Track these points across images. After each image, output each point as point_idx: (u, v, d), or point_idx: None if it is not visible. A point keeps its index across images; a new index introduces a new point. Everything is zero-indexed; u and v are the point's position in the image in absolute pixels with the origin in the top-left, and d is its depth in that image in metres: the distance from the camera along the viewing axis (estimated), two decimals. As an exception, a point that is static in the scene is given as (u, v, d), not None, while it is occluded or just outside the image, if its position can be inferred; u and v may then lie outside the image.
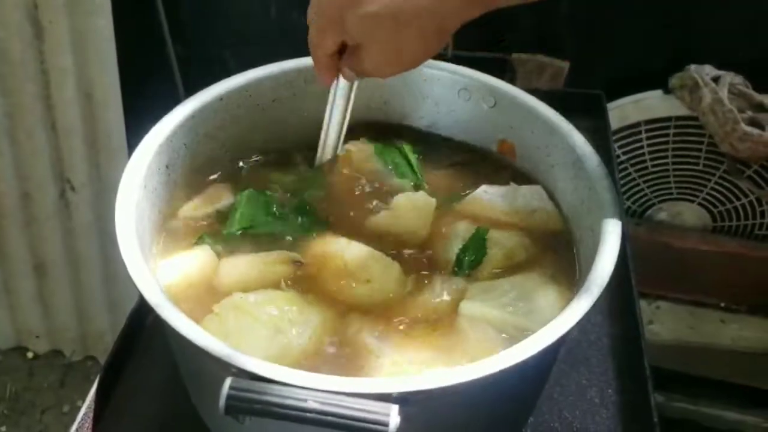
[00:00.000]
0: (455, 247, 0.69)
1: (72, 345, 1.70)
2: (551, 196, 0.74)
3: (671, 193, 1.45)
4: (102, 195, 1.49)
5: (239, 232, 0.70)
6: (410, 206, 0.72)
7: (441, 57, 0.80)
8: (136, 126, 0.70)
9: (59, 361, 1.71)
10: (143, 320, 0.79)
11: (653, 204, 1.47)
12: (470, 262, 0.68)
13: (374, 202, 0.74)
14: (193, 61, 1.44)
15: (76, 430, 0.69)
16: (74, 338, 1.69)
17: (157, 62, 1.43)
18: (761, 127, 1.31)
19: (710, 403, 1.47)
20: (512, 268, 0.68)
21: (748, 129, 1.29)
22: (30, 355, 1.73)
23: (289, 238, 0.70)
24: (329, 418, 0.45)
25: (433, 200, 0.72)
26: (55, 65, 1.35)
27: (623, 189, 1.46)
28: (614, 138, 1.40)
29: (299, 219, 0.72)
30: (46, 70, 1.36)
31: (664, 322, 1.48)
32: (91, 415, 0.70)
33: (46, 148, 1.44)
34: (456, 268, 0.68)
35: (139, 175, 0.64)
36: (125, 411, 0.73)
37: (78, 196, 1.50)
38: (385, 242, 0.69)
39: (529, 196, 0.74)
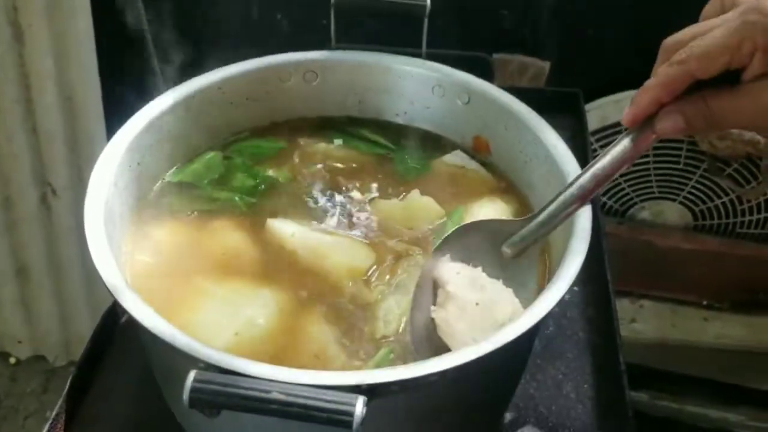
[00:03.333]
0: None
1: (55, 350, 1.69)
2: (525, 193, 0.74)
3: (653, 192, 1.46)
4: (83, 199, 1.48)
5: (177, 181, 0.72)
6: (420, 206, 0.72)
7: (416, 56, 0.80)
8: (118, 129, 0.70)
9: (42, 366, 1.70)
10: (116, 322, 0.79)
11: (635, 203, 1.48)
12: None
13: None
14: (174, 63, 1.44)
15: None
16: (57, 343, 1.67)
17: (138, 65, 1.42)
18: (740, 126, 1.32)
19: (694, 401, 1.48)
20: None
21: (728, 127, 1.30)
22: (12, 360, 1.71)
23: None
24: (294, 409, 0.44)
25: (443, 211, 0.72)
26: (36, 68, 1.35)
27: (605, 189, 1.46)
28: (595, 138, 1.41)
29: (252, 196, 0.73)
30: (26, 73, 1.36)
31: (647, 321, 1.48)
32: (63, 417, 0.69)
33: (26, 151, 1.43)
34: (436, 239, 0.69)
35: (110, 173, 0.64)
36: (98, 413, 0.72)
37: (59, 200, 1.49)
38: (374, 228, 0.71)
39: (452, 157, 0.78)
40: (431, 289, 0.62)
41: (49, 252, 1.54)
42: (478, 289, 0.59)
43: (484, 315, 0.57)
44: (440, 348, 0.59)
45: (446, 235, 0.63)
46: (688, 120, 0.54)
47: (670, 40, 0.55)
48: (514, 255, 0.62)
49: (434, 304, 0.61)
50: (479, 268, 0.61)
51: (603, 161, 0.58)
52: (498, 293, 0.59)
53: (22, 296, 1.60)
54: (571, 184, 0.59)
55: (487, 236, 0.63)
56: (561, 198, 0.60)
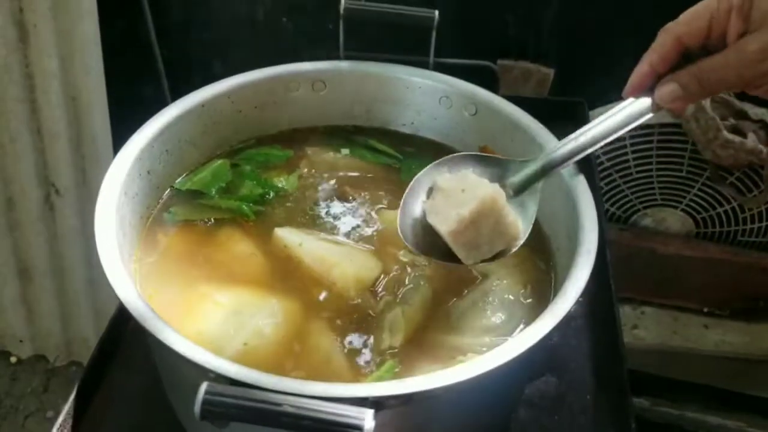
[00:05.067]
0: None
1: (56, 350, 1.69)
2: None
3: (655, 200, 1.46)
4: (87, 199, 1.48)
5: (185, 189, 0.73)
6: None
7: (423, 65, 0.81)
8: (122, 130, 0.70)
9: (43, 366, 1.70)
10: (124, 326, 0.79)
11: (638, 210, 1.48)
12: None
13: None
14: (179, 64, 1.44)
15: (55, 437, 0.68)
16: (58, 343, 1.68)
17: (144, 66, 1.42)
18: (743, 135, 1.32)
19: (693, 408, 1.48)
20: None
21: (730, 136, 1.31)
22: (13, 359, 1.71)
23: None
24: (305, 422, 0.45)
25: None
26: (40, 69, 1.35)
27: (608, 195, 1.47)
28: (598, 145, 1.41)
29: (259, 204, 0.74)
30: (31, 73, 1.36)
31: (648, 327, 1.49)
32: (70, 422, 0.70)
33: (30, 152, 1.43)
34: None
35: (119, 182, 0.64)
36: (105, 418, 0.72)
37: (63, 201, 1.49)
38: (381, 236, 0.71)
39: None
40: (423, 193, 0.64)
41: (51, 252, 1.55)
42: (464, 181, 0.62)
43: (466, 195, 0.60)
44: (427, 237, 0.62)
45: (444, 158, 0.65)
46: (684, 86, 0.58)
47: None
48: (515, 193, 0.65)
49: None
50: (470, 170, 0.64)
51: (603, 126, 0.63)
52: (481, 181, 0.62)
53: (24, 296, 1.61)
54: (572, 139, 0.64)
55: (484, 170, 0.65)
56: (559, 153, 0.64)
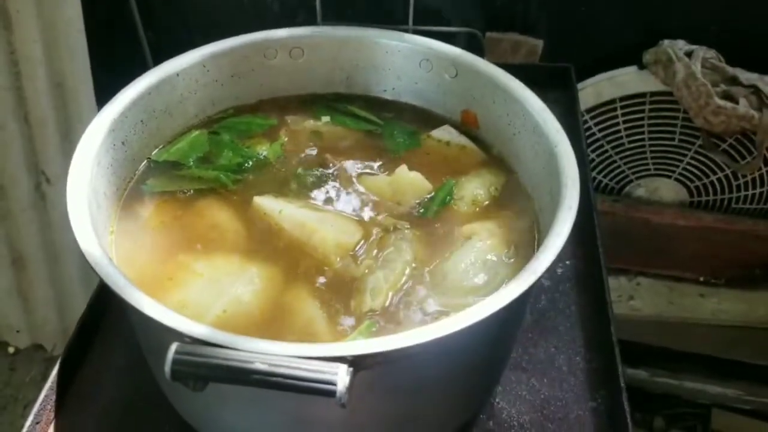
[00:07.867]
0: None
1: (53, 339, 1.69)
2: (513, 166, 0.74)
3: (648, 169, 1.45)
4: (77, 186, 1.47)
5: (162, 160, 0.72)
6: (408, 181, 0.72)
7: (402, 29, 0.80)
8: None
9: (41, 355, 1.70)
10: (106, 302, 0.78)
11: (630, 180, 1.47)
12: (437, 205, 0.70)
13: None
14: (165, 47, 1.43)
15: (37, 413, 0.68)
16: (55, 332, 1.67)
17: (129, 49, 1.41)
18: (735, 101, 1.31)
19: (692, 377, 1.48)
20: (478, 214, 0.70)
21: (722, 102, 1.29)
22: (11, 350, 1.71)
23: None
24: (276, 379, 0.44)
25: (430, 186, 0.72)
26: (25, 55, 1.33)
27: (601, 167, 1.46)
28: (590, 115, 1.40)
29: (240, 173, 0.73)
30: (15, 60, 1.35)
31: (644, 298, 1.48)
32: (53, 398, 0.69)
33: (19, 140, 1.42)
34: (422, 210, 0.69)
35: (92, 152, 0.64)
36: (89, 394, 0.72)
37: (53, 188, 1.48)
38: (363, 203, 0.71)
39: (440, 132, 0.78)
40: None
41: (44, 240, 1.54)
42: None
43: None
44: None
45: None
46: None
47: None
48: None
49: None
50: None
51: None
52: None
53: (18, 285, 1.60)
54: None
55: None
56: None
